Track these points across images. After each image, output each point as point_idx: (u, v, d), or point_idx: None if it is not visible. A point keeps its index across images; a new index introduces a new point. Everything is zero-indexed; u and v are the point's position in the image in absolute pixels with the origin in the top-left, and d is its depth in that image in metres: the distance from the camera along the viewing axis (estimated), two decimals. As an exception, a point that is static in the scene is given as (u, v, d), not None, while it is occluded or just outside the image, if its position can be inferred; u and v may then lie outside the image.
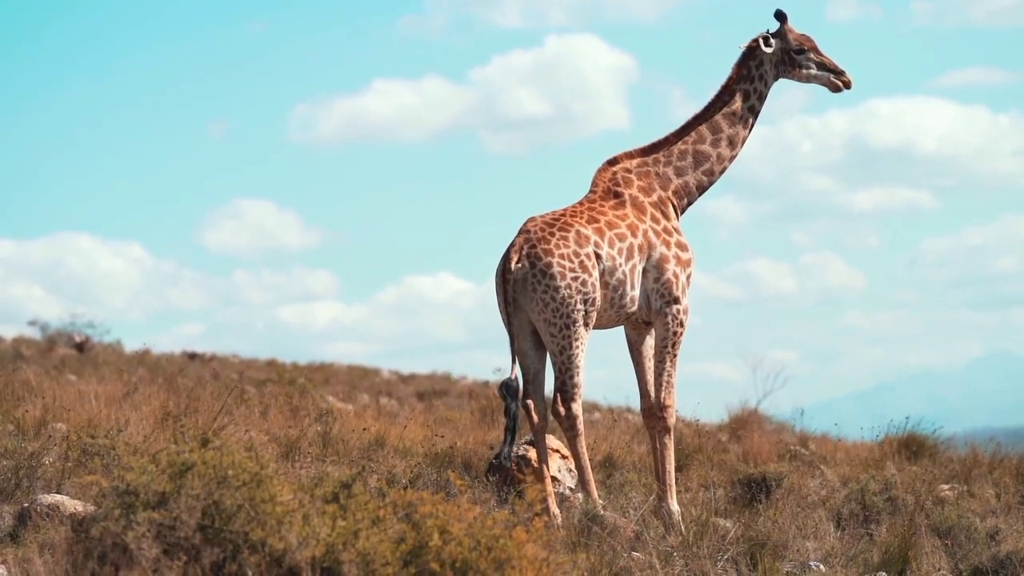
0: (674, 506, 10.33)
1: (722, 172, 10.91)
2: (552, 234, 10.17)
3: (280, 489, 7.00)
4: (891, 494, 11.36)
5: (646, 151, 10.81)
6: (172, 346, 34.70)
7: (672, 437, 10.53)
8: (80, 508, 8.66)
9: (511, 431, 10.09)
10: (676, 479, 10.78)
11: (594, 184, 10.70)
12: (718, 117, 10.88)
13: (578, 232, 10.21)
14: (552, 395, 10.20)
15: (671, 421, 10.51)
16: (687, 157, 10.81)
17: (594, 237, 10.24)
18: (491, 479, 11.06)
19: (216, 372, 27.28)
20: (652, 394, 10.54)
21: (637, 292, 10.40)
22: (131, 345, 33.76)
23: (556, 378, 10.15)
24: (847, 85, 10.94)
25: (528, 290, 10.10)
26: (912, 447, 15.68)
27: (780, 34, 10.94)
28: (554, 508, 9.96)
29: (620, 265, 10.28)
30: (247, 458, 7.09)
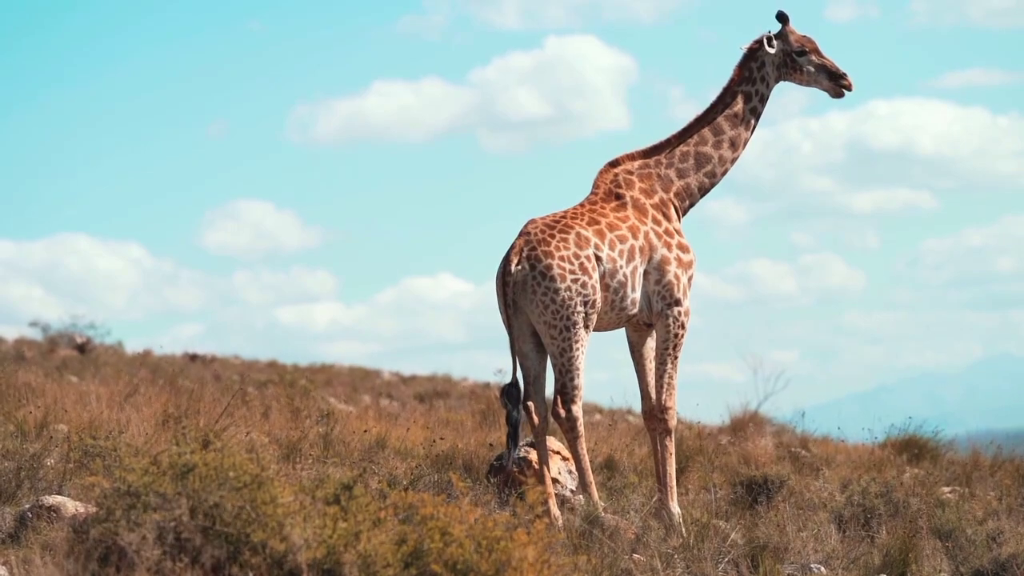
0: (675, 508, 10.33)
1: (724, 174, 10.91)
2: (552, 236, 10.16)
3: (281, 491, 7.01)
4: (892, 496, 11.36)
5: (648, 153, 10.81)
6: (172, 347, 34.68)
7: (673, 439, 10.53)
8: (81, 509, 8.66)
9: (513, 439, 10.10)
10: (677, 481, 10.78)
11: (595, 186, 10.70)
12: (720, 119, 10.88)
13: (578, 234, 10.21)
14: (552, 397, 10.20)
15: (672, 423, 10.50)
16: (689, 159, 10.80)
17: (594, 239, 10.23)
18: (492, 481, 11.06)
19: (217, 373, 27.29)
20: (653, 396, 10.54)
21: (638, 294, 10.39)
22: (131, 346, 33.78)
23: (556, 380, 10.15)
24: (848, 88, 10.92)
25: (528, 292, 10.10)
26: (913, 449, 15.69)
27: (782, 36, 10.93)
28: (555, 510, 9.96)
29: (621, 267, 10.28)
30: (248, 460, 7.09)
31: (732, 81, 10.95)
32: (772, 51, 10.89)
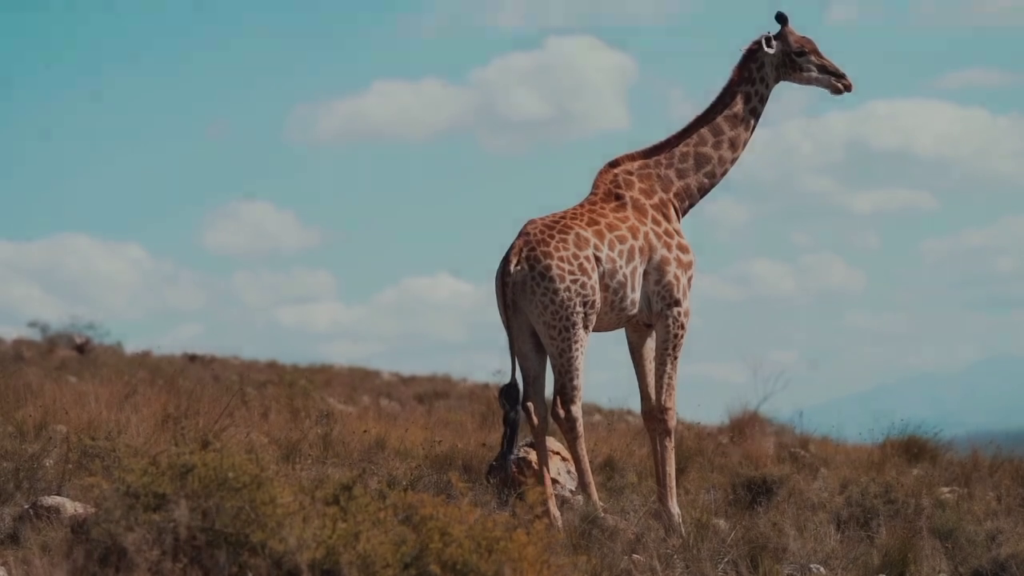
0: (674, 508, 10.33)
1: (723, 174, 10.91)
2: (551, 236, 10.16)
3: (281, 491, 7.01)
4: (891, 496, 11.36)
5: (647, 153, 10.81)
6: (172, 347, 34.68)
7: (673, 439, 10.53)
8: (80, 510, 8.66)
9: (510, 439, 10.09)
10: (676, 481, 10.78)
11: (595, 186, 10.70)
12: (719, 119, 10.88)
13: (578, 235, 10.21)
14: (552, 397, 10.20)
15: (672, 423, 10.51)
16: (688, 159, 10.81)
17: (594, 240, 10.23)
18: (491, 481, 11.06)
19: (217, 374, 27.30)
20: (653, 396, 10.54)
21: (638, 295, 10.39)
22: (131, 346, 33.79)
23: (556, 380, 10.15)
24: (848, 88, 10.93)
25: (527, 293, 10.10)
26: (913, 449, 15.68)
27: (781, 36, 10.94)
28: (554, 510, 9.96)
29: (620, 267, 10.28)
30: (248, 460, 7.09)
31: (731, 82, 10.96)
32: (771, 52, 10.89)
